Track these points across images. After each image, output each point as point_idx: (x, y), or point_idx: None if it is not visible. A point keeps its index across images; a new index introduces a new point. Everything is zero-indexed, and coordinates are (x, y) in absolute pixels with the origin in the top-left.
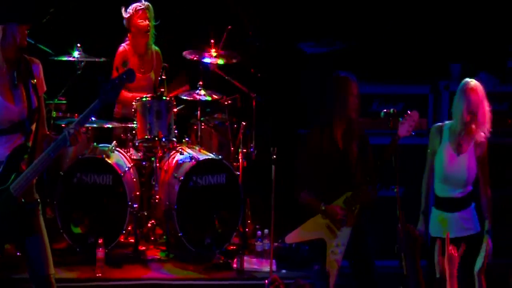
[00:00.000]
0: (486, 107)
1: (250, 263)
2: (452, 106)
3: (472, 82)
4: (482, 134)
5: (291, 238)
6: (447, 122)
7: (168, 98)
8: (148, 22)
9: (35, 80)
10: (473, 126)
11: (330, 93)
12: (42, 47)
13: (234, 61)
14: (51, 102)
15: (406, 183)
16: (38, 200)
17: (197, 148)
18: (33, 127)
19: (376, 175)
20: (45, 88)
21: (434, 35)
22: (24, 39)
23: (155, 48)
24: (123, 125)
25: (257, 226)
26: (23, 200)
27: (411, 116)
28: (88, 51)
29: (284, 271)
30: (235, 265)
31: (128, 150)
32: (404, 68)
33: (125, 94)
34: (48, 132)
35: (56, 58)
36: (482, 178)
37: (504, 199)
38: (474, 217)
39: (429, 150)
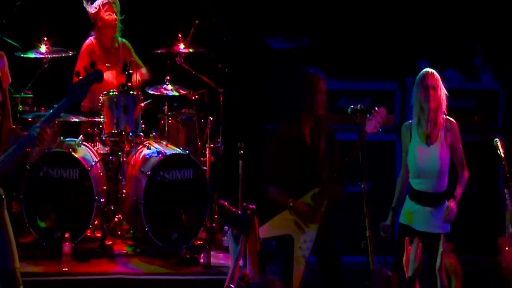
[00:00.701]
0: (443, 89)
1: (217, 258)
2: (413, 98)
3: (428, 69)
4: (444, 117)
5: (259, 233)
6: (413, 120)
7: (135, 93)
8: (114, 16)
9: None
10: (432, 105)
11: (298, 89)
12: (8, 40)
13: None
14: (17, 96)
15: (373, 179)
16: (3, 196)
17: (164, 143)
18: None
19: (343, 171)
20: (10, 81)
21: (402, 32)
22: None
23: (122, 40)
24: (90, 119)
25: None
26: None
27: (379, 112)
28: (55, 45)
29: None
30: (202, 260)
31: (95, 144)
32: (371, 65)
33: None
34: (13, 126)
35: (23, 55)
36: (458, 163)
37: (467, 195)
38: None
39: (403, 149)
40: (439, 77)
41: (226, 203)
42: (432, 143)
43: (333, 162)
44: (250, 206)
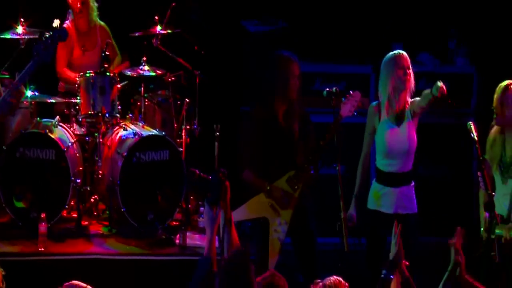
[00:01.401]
0: (411, 71)
1: (193, 239)
2: (380, 79)
3: (399, 50)
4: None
5: (235, 216)
6: (382, 100)
7: (111, 74)
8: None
9: None
10: (408, 85)
11: (272, 72)
12: None
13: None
14: None
15: (347, 161)
16: None
17: (140, 124)
18: None
19: (318, 154)
20: None
21: (377, 15)
22: None
23: (100, 22)
24: (66, 100)
25: (200, 203)
26: None
27: (354, 96)
28: (32, 26)
29: None
30: (177, 241)
31: (72, 125)
32: (346, 48)
33: (68, 73)
34: None
35: None
36: None
37: (441, 178)
38: (412, 196)
39: (366, 132)
40: (407, 57)
41: (197, 170)
42: (401, 122)
43: (308, 145)
44: (222, 169)
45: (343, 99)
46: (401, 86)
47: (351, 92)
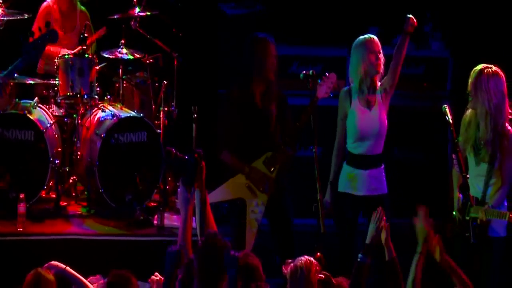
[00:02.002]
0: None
1: (170, 220)
2: (350, 64)
3: (370, 35)
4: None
5: (212, 197)
6: (353, 84)
7: (90, 56)
8: None
9: None
10: (379, 69)
11: (249, 53)
12: None
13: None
14: None
15: (323, 143)
16: None
17: (118, 106)
18: None
19: (294, 136)
20: None
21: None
22: None
23: (81, 8)
24: (45, 81)
25: (178, 184)
26: None
27: (329, 78)
28: (11, 7)
29: None
30: (155, 222)
31: (50, 106)
32: (323, 31)
33: (52, 49)
34: None
35: None
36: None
37: (416, 161)
38: (382, 178)
39: (339, 117)
40: (380, 46)
41: (173, 150)
42: (372, 106)
43: (285, 127)
44: (198, 150)
45: (319, 81)
46: (372, 71)
47: (326, 74)
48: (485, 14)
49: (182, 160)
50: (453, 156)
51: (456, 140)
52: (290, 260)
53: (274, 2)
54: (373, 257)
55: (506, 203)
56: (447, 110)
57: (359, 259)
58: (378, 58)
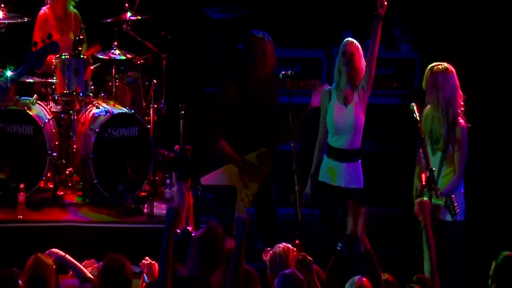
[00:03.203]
0: (361, 57)
1: (159, 209)
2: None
3: (349, 38)
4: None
5: (208, 180)
6: (334, 83)
7: (85, 57)
8: None
9: None
10: (347, 69)
11: (249, 50)
12: None
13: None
14: None
15: (301, 138)
16: None
17: (111, 103)
18: None
19: (289, 137)
20: None
21: (330, 5)
22: None
23: (74, 10)
24: (43, 80)
25: (166, 175)
26: None
27: (323, 88)
28: (11, 11)
29: None
30: (145, 210)
31: (48, 103)
32: (301, 34)
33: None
34: None
35: None
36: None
37: (386, 154)
38: (359, 172)
39: (321, 115)
40: (359, 47)
41: (165, 151)
42: (349, 103)
43: (275, 124)
44: (186, 146)
45: (313, 91)
46: (343, 69)
47: (322, 85)
48: (449, 19)
49: (173, 159)
50: (420, 150)
51: (422, 136)
52: (269, 248)
53: (257, 8)
54: (351, 248)
55: (463, 190)
56: (415, 108)
57: (338, 248)
58: (348, 59)
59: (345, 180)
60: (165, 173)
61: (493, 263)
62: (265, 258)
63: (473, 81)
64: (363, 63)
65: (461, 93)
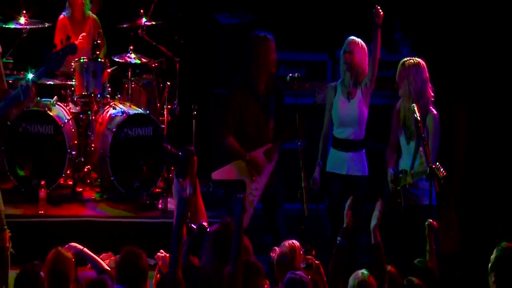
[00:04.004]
0: (361, 54)
1: (173, 204)
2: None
3: (351, 37)
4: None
5: (219, 174)
6: (340, 79)
7: (102, 60)
8: None
9: None
10: (346, 66)
11: (251, 50)
12: None
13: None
14: None
15: (307, 137)
16: None
17: (127, 104)
18: None
19: (294, 134)
20: (0, 50)
21: (334, 10)
22: None
23: (92, 15)
24: (63, 82)
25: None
26: None
27: (326, 88)
28: (32, 17)
29: None
30: (160, 206)
31: (68, 104)
32: (306, 38)
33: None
34: (6, 88)
35: (4, 25)
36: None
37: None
38: (363, 161)
39: (326, 109)
40: (360, 45)
41: (169, 146)
42: (352, 98)
43: (282, 119)
44: (190, 148)
45: (317, 90)
46: (343, 67)
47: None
48: (447, 24)
49: (176, 156)
50: (421, 149)
51: (423, 135)
52: (276, 247)
53: (264, 13)
54: (349, 240)
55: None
56: (416, 108)
57: (338, 242)
58: (348, 56)
59: (351, 168)
60: (168, 167)
61: (493, 253)
62: (273, 256)
63: (471, 81)
64: (366, 60)
65: (431, 85)
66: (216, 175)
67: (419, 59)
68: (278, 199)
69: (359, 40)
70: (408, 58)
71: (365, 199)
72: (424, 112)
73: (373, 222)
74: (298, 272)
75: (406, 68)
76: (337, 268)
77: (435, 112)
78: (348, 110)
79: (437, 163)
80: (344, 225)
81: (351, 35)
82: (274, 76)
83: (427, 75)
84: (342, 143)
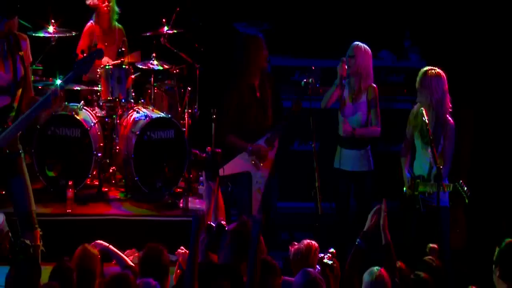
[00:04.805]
0: (364, 59)
1: (193, 203)
2: None
3: (355, 42)
4: (372, 84)
5: (228, 169)
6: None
7: (127, 67)
8: (108, 3)
9: (22, 53)
10: (349, 71)
11: (244, 49)
12: (22, 22)
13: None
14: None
15: (320, 140)
16: (21, 151)
17: (150, 108)
18: (19, 91)
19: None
20: (30, 59)
21: (346, 19)
22: (14, 27)
23: (118, 25)
24: (89, 88)
25: (200, 173)
26: (7, 150)
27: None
28: (61, 26)
29: None
30: (181, 205)
31: (94, 108)
32: (320, 46)
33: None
34: (33, 95)
35: (34, 34)
36: (373, 118)
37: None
38: (369, 157)
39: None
40: (363, 49)
41: (197, 151)
42: (356, 101)
43: (277, 108)
44: (217, 150)
45: (306, 73)
46: (349, 71)
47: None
48: (454, 31)
49: (205, 160)
50: (429, 151)
51: (431, 137)
52: (295, 243)
53: (280, 22)
54: (368, 243)
55: (447, 181)
56: (424, 112)
57: (357, 243)
58: (349, 61)
59: (357, 165)
60: (197, 171)
61: (497, 249)
62: (291, 250)
63: (476, 88)
64: (369, 64)
65: (449, 96)
66: (227, 169)
67: (439, 70)
68: (269, 198)
69: (362, 44)
70: (429, 68)
71: (369, 194)
72: (442, 121)
73: (381, 223)
74: (310, 269)
75: (429, 78)
76: (354, 268)
77: (452, 121)
78: (351, 112)
79: (461, 181)
80: (365, 228)
81: (361, 43)
82: (266, 69)
83: (447, 86)
84: (346, 142)
